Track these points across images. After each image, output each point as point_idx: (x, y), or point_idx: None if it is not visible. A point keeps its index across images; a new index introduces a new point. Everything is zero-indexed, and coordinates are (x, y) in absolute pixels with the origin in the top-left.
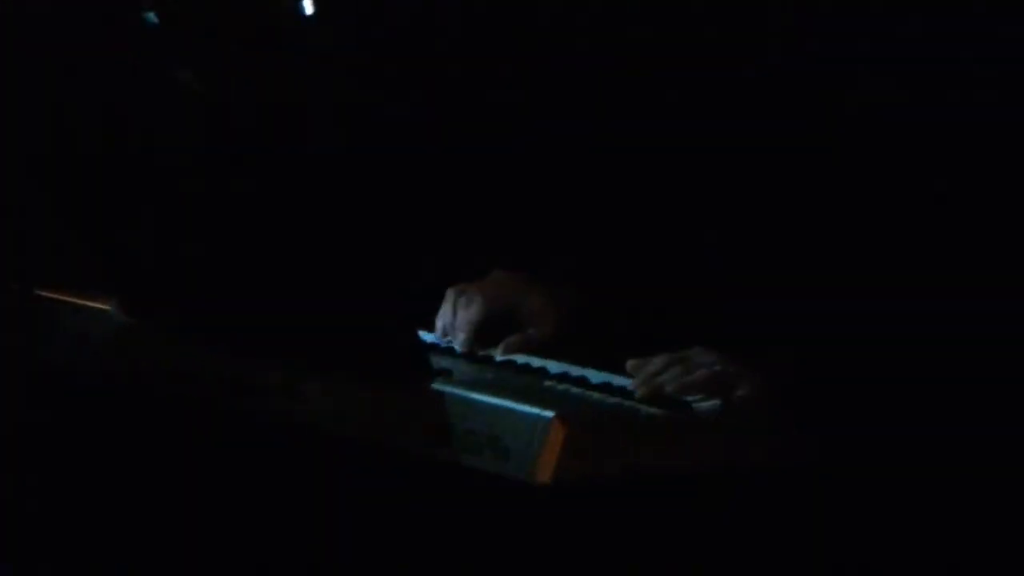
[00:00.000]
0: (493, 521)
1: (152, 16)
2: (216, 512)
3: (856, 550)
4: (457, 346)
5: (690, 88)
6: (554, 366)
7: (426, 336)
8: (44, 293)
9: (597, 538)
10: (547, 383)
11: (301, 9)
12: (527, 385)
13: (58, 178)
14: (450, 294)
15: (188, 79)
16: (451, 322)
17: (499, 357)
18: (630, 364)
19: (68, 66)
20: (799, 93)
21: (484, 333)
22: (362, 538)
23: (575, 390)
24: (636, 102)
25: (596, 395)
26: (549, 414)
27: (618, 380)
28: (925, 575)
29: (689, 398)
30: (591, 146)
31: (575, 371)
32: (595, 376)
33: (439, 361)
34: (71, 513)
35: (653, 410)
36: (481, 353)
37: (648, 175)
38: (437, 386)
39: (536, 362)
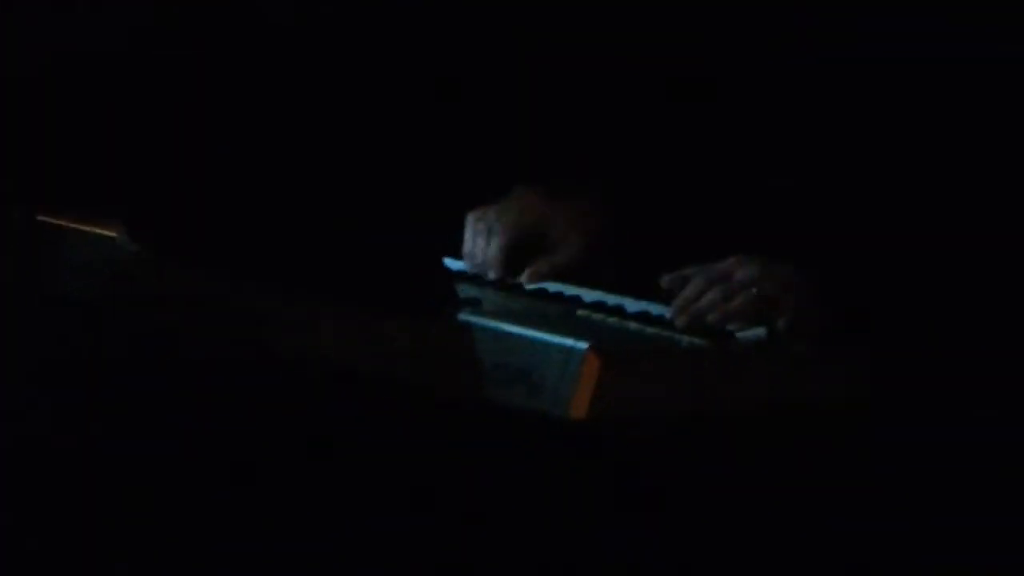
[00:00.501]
0: (525, 459)
1: None
2: (228, 453)
3: (899, 498)
4: (491, 278)
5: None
6: (588, 294)
7: (452, 264)
8: (47, 219)
9: (633, 477)
10: (581, 312)
11: None
12: (560, 315)
13: (64, 98)
14: (471, 220)
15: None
16: (476, 254)
17: (528, 285)
18: (665, 280)
19: None
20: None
21: (512, 260)
22: (385, 480)
23: (611, 320)
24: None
25: (633, 325)
26: (584, 345)
27: (656, 309)
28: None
29: (731, 327)
30: (611, 62)
31: (611, 299)
32: (632, 305)
33: (466, 290)
34: (75, 449)
35: (694, 340)
36: (511, 281)
37: (669, 90)
38: (464, 317)
39: (569, 290)
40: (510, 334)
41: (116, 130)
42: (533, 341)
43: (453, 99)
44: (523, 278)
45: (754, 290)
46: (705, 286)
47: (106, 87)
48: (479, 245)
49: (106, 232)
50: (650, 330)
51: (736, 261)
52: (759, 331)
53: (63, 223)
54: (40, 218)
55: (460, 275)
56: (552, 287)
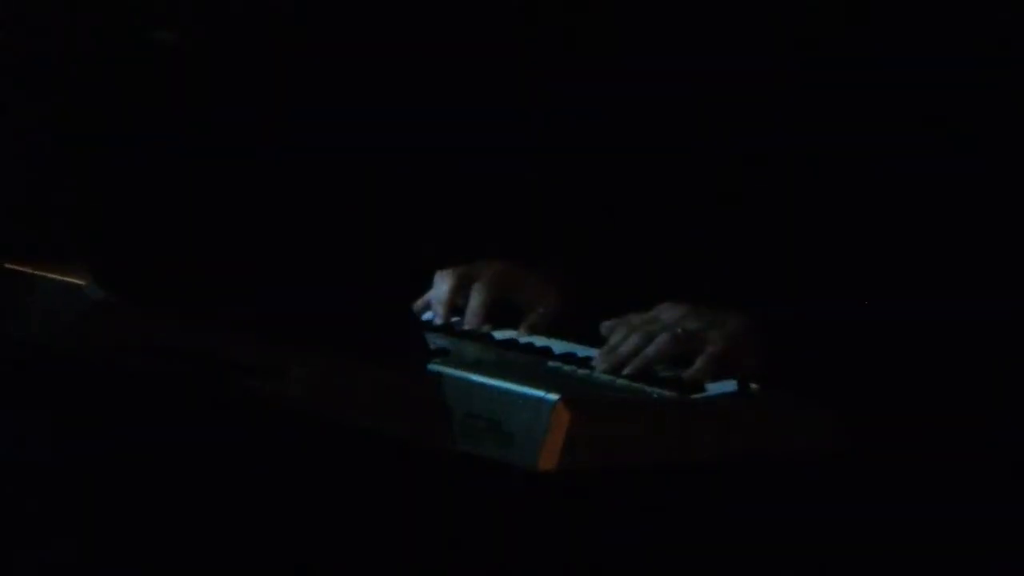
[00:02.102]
0: (494, 510)
1: None
2: (197, 499)
3: (869, 544)
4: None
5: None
6: (559, 345)
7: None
8: (13, 266)
9: (603, 529)
10: (551, 364)
11: None
12: (530, 366)
13: (30, 144)
14: (446, 277)
15: (167, 39)
16: (444, 304)
17: (522, 339)
18: (602, 328)
19: (40, 27)
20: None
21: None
22: (354, 528)
23: (581, 371)
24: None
25: (604, 377)
26: (554, 397)
27: None
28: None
29: (707, 383)
30: (575, 137)
31: (581, 351)
32: None
33: (435, 340)
34: (40, 495)
35: (664, 393)
36: (481, 331)
37: (627, 161)
38: (434, 367)
39: (540, 341)
40: (480, 385)
41: (84, 177)
42: (503, 392)
43: (427, 159)
44: (522, 330)
45: (678, 329)
46: (628, 331)
47: (73, 133)
48: (448, 294)
49: (74, 280)
50: (620, 382)
51: (662, 306)
52: (729, 384)
53: (30, 270)
54: (7, 265)
55: (430, 325)
56: (523, 338)
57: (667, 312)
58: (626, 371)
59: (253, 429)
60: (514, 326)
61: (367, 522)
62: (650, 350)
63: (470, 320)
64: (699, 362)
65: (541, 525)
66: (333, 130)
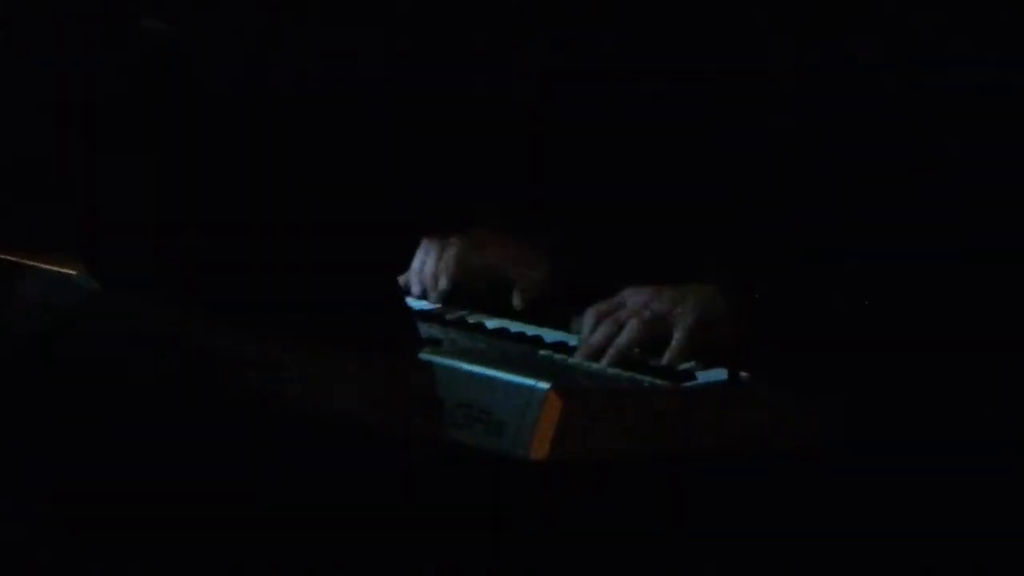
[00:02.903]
0: (485, 499)
1: None
2: (189, 490)
3: (860, 537)
4: (441, 286)
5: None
6: (550, 334)
7: (414, 303)
8: (3, 256)
9: (594, 519)
10: (543, 353)
11: None
12: (522, 355)
13: (22, 131)
14: (425, 245)
15: (160, 30)
16: (429, 267)
17: (513, 328)
18: (574, 323)
19: (33, 19)
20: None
21: (463, 290)
22: (346, 518)
23: (572, 360)
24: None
25: (594, 366)
26: (545, 386)
27: None
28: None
29: (691, 367)
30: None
31: (572, 340)
32: None
33: (427, 329)
34: (32, 489)
35: (656, 381)
36: (472, 320)
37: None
38: (425, 356)
39: (531, 330)
40: (471, 374)
41: (76, 166)
42: (494, 381)
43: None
44: (513, 301)
45: (646, 312)
46: (596, 320)
47: (68, 125)
48: (438, 259)
49: (64, 269)
50: (611, 371)
51: (625, 291)
52: (720, 372)
53: (20, 259)
54: None
55: (422, 314)
56: (514, 327)
57: (632, 297)
58: (604, 361)
59: (245, 421)
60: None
61: (358, 513)
62: (622, 339)
63: (440, 273)
64: (674, 342)
65: (533, 514)
66: (319, 117)
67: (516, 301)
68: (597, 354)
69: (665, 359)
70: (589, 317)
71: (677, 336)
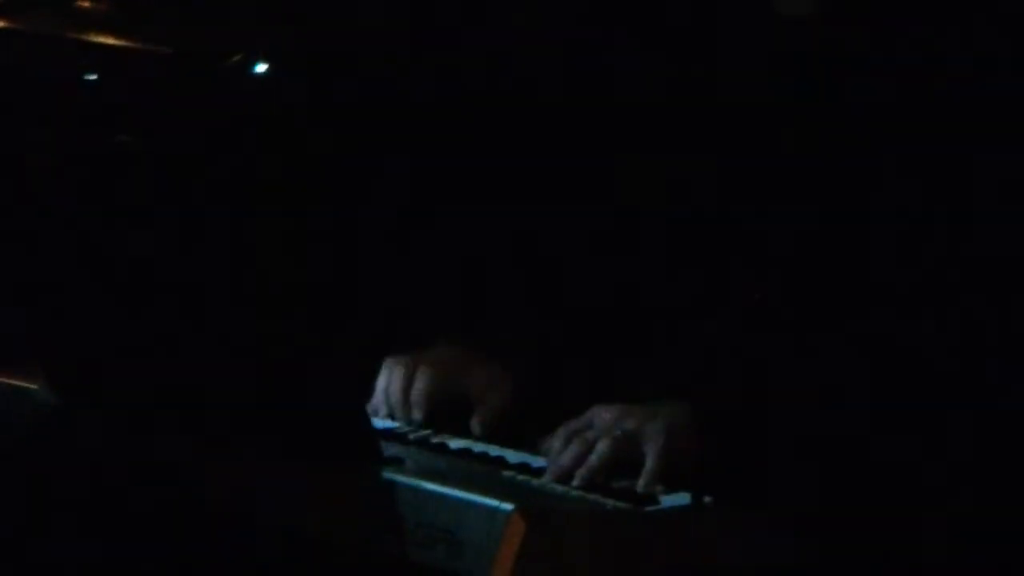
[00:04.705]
0: None
1: (92, 77)
2: None
3: None
4: (415, 418)
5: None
6: (513, 455)
7: (376, 422)
8: None
9: None
10: (506, 473)
11: (252, 68)
12: (485, 475)
13: None
14: (390, 366)
15: (127, 142)
16: (397, 393)
17: (476, 448)
18: (541, 446)
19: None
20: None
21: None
22: None
23: (536, 481)
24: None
25: (559, 487)
26: (508, 507)
27: None
28: None
29: (654, 490)
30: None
31: (536, 461)
32: None
33: (390, 448)
34: None
35: (619, 504)
36: (435, 440)
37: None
38: (388, 475)
39: (495, 451)
40: (434, 493)
41: (37, 281)
42: (457, 501)
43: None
44: (473, 424)
45: (617, 432)
46: (566, 440)
47: (28, 238)
48: (396, 384)
49: (25, 384)
50: (575, 493)
51: (594, 409)
52: (683, 496)
53: None
54: None
55: (385, 433)
56: (477, 447)
57: (600, 415)
58: (574, 483)
59: (209, 537)
60: (465, 422)
61: None
62: (593, 459)
63: (414, 405)
64: (647, 466)
65: None
66: (283, 232)
67: (476, 429)
68: (567, 475)
69: (640, 485)
70: (558, 437)
71: (649, 460)
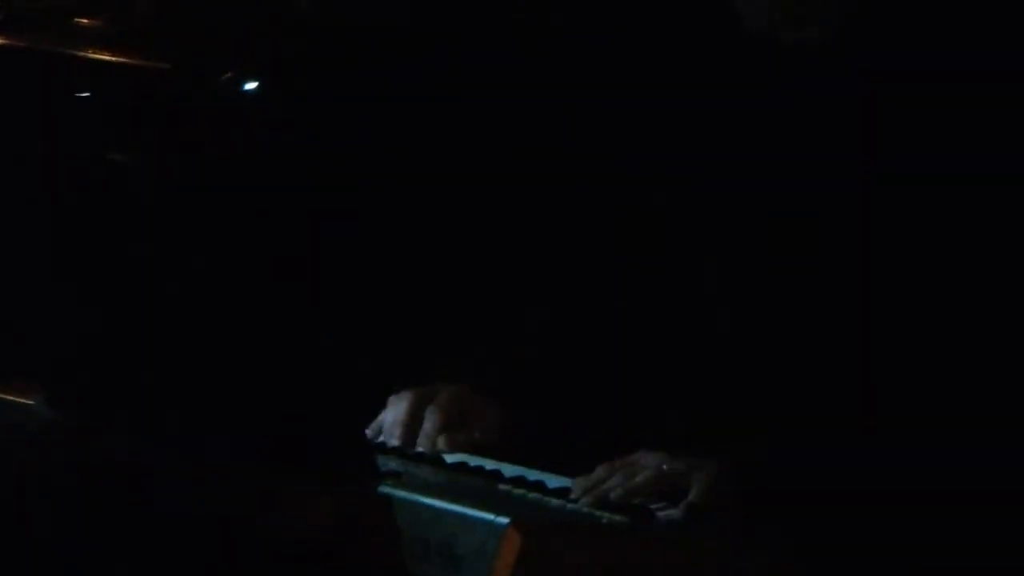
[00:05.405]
0: None
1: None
2: None
3: None
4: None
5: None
6: (509, 469)
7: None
8: None
9: None
10: (502, 487)
11: (240, 87)
12: (481, 489)
13: None
14: (401, 399)
15: (121, 159)
16: (405, 437)
17: (472, 462)
18: (575, 485)
19: None
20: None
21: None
22: None
23: (532, 495)
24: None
25: (554, 501)
26: (504, 521)
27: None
28: None
29: (652, 505)
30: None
31: (532, 475)
32: (553, 480)
33: (387, 462)
34: None
35: (615, 517)
36: (431, 454)
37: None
38: (385, 489)
39: (490, 464)
40: (430, 507)
41: (34, 296)
42: (453, 515)
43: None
44: (440, 443)
45: (664, 466)
46: (611, 470)
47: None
48: (402, 424)
49: (21, 399)
50: (570, 506)
51: (639, 452)
52: (678, 510)
53: None
54: None
55: (381, 448)
56: (473, 461)
57: (646, 457)
58: (612, 496)
59: (208, 550)
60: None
61: None
62: (635, 482)
63: (424, 445)
64: (695, 487)
65: None
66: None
67: (444, 442)
68: (601, 498)
69: (690, 498)
70: (603, 467)
71: (698, 485)
